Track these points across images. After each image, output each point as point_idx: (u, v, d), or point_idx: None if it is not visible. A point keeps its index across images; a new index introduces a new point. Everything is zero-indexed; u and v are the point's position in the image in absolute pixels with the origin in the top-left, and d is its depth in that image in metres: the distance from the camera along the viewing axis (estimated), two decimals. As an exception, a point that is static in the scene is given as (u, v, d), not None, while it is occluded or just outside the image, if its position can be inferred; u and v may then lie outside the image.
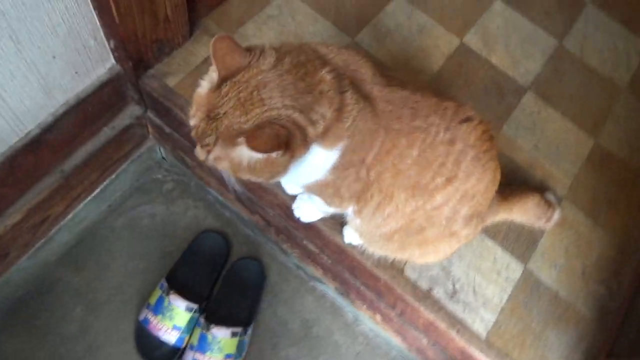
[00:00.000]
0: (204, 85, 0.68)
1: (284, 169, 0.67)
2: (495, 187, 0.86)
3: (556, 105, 1.25)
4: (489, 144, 0.80)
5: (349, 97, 0.67)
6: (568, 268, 1.09)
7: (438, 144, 0.74)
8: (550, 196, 1.12)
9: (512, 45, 1.31)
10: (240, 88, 0.63)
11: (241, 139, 0.63)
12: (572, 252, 1.11)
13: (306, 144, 0.64)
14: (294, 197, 1.04)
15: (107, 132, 1.12)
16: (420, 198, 0.78)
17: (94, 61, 0.98)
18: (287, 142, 0.62)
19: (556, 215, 1.08)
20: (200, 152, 0.71)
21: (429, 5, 1.30)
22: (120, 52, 0.98)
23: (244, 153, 0.65)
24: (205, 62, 1.10)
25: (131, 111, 1.15)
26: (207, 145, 0.67)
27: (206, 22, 1.15)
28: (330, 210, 0.90)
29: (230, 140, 0.64)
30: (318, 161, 0.70)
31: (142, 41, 0.98)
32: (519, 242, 1.10)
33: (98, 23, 0.91)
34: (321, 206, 0.90)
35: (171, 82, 1.07)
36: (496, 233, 1.09)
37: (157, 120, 1.17)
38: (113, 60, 1.02)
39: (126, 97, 1.12)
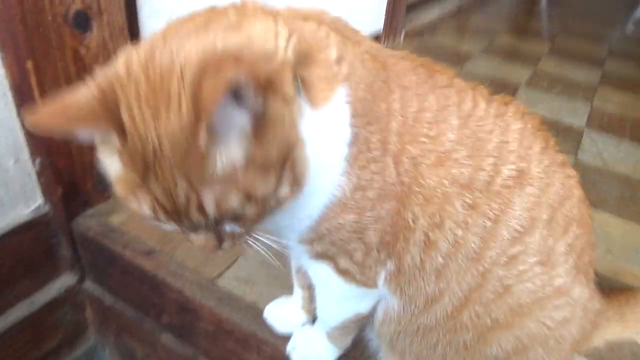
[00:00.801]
0: (114, 163, 0.40)
1: (289, 130, 0.38)
2: (590, 221, 0.55)
3: (607, 209, 1.02)
4: (554, 142, 0.54)
5: (317, 27, 0.44)
6: None
7: (483, 114, 0.48)
8: (666, 297, 0.76)
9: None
10: (136, 89, 0.37)
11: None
12: None
13: (278, 63, 0.37)
14: (286, 340, 0.66)
15: (21, 310, 0.80)
16: (485, 214, 0.46)
17: (13, 193, 0.75)
18: (245, 76, 0.33)
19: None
20: (197, 239, 0.41)
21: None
22: (49, 175, 0.77)
23: (220, 154, 0.36)
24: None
25: (62, 280, 0.86)
26: (186, 207, 0.37)
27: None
28: (345, 312, 0.55)
29: (184, 163, 0.36)
30: (321, 140, 0.41)
31: (79, 162, 0.79)
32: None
33: (20, 133, 0.73)
34: (331, 314, 0.55)
35: (115, 219, 0.82)
36: (617, 361, 0.68)
37: (97, 289, 0.86)
38: (40, 196, 0.79)
39: (55, 256, 0.84)
